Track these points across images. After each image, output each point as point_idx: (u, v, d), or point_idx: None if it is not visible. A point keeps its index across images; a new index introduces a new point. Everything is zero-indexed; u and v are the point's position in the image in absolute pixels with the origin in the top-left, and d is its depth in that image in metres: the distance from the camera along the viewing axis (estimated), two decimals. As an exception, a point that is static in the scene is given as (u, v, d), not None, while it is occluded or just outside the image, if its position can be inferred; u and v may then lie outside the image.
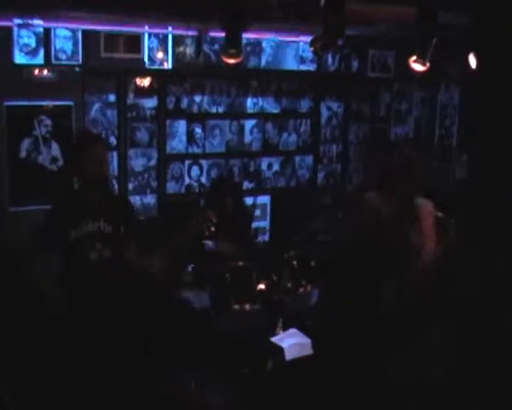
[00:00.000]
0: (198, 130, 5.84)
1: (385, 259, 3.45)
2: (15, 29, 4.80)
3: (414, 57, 4.33)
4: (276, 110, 6.21)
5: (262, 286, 4.50)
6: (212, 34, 5.50)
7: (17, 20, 4.77)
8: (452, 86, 7.08)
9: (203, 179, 5.91)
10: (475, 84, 1.74)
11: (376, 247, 3.38)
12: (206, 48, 5.67)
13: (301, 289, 4.55)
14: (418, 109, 7.04)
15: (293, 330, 4.13)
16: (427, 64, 4.30)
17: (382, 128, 6.83)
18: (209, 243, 4.51)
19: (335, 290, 3.58)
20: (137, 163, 5.57)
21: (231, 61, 4.25)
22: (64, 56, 5.05)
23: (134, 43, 5.37)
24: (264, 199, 6.21)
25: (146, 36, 5.39)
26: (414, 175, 3.64)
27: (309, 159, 6.48)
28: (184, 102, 5.74)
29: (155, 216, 5.68)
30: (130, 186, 5.56)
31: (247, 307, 4.31)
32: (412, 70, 4.57)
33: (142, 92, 5.52)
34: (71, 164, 3.80)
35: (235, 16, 3.95)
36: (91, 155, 3.64)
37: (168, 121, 5.69)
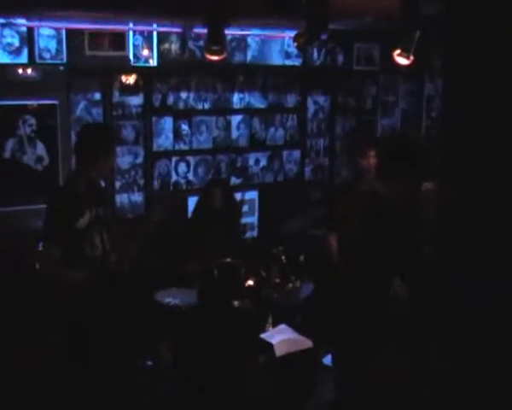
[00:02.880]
0: (184, 126, 5.83)
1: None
2: (-2, 28, 4.77)
3: (398, 51, 4.33)
4: (262, 105, 6.21)
5: (251, 282, 4.51)
6: (197, 31, 5.48)
7: (0, 20, 4.73)
8: (438, 78, 7.10)
9: (190, 176, 5.89)
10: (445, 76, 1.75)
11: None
12: (191, 44, 5.65)
13: (290, 285, 4.56)
14: (405, 101, 7.06)
15: (282, 326, 4.14)
16: (411, 58, 4.31)
17: (369, 120, 6.84)
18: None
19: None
20: (124, 161, 5.54)
21: (214, 57, 4.23)
22: (48, 55, 5.02)
23: (119, 40, 5.34)
24: (251, 194, 6.21)
25: (131, 33, 5.36)
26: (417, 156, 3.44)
27: (296, 153, 6.49)
28: (170, 99, 5.72)
29: (142, 214, 5.67)
30: (117, 184, 5.53)
31: (236, 303, 4.32)
32: (397, 63, 4.58)
33: (127, 90, 5.49)
34: (89, 158, 3.73)
35: (218, 12, 3.93)
36: (112, 154, 3.85)
37: (154, 118, 5.66)
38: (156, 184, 5.72)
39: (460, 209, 1.55)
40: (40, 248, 3.54)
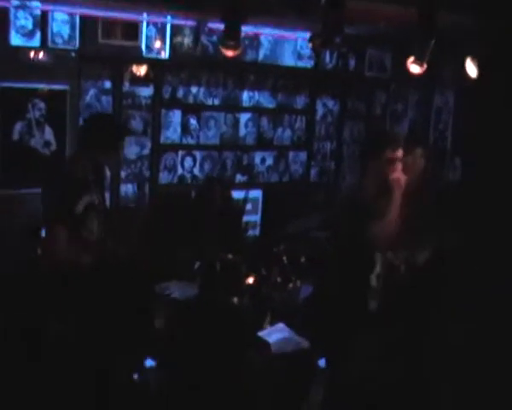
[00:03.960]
0: (193, 121, 5.83)
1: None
2: (12, 10, 4.76)
3: (411, 59, 4.33)
4: (271, 105, 6.21)
5: (251, 280, 4.50)
6: (211, 25, 5.49)
7: (14, 2, 4.73)
8: (448, 90, 7.09)
9: (196, 171, 5.89)
10: (474, 88, 1.74)
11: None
12: (204, 39, 5.65)
13: (290, 285, 4.56)
14: (413, 111, 7.05)
15: (280, 326, 4.13)
16: (425, 66, 4.30)
17: (377, 127, 6.84)
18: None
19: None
20: (130, 151, 5.54)
21: (230, 53, 4.24)
22: (61, 40, 5.01)
23: (132, 30, 5.34)
24: (256, 193, 6.20)
25: (144, 24, 5.36)
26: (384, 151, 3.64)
27: (303, 155, 6.49)
28: (180, 93, 5.72)
29: (145, 205, 5.67)
30: (123, 174, 5.53)
31: (235, 300, 4.31)
32: (409, 71, 4.58)
33: (138, 80, 5.49)
34: (93, 149, 3.75)
35: (235, 8, 3.94)
36: (117, 152, 3.90)
37: (163, 111, 5.66)
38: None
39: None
40: (45, 233, 3.53)
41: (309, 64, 6.27)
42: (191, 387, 3.83)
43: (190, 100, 5.78)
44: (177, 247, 4.94)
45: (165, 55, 5.51)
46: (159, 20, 5.39)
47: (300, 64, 6.23)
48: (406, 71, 4.58)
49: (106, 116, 4.90)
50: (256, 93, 6.10)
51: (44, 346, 3.67)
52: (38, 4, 4.82)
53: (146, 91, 5.54)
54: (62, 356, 3.57)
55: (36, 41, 4.90)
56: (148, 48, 5.43)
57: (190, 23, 5.49)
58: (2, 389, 3.65)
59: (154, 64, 5.52)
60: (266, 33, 5.93)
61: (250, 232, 6.11)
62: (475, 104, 1.66)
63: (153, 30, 5.42)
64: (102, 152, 3.75)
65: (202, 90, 5.82)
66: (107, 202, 4.64)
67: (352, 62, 6.54)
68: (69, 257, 3.55)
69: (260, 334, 4.06)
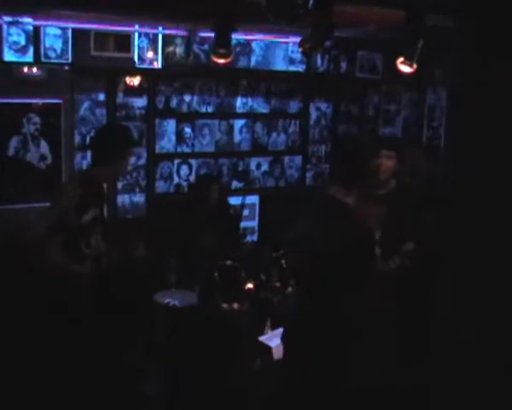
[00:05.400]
0: (187, 129, 5.86)
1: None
2: (5, 26, 4.79)
3: (401, 59, 4.36)
4: (265, 110, 6.24)
5: (250, 285, 4.52)
6: (202, 34, 5.52)
7: (7, 18, 4.76)
8: (440, 88, 7.14)
9: (192, 179, 5.92)
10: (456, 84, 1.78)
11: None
12: (195, 48, 5.68)
13: (289, 289, 4.58)
14: (406, 110, 7.09)
15: (281, 330, 4.15)
16: (415, 66, 4.34)
17: (372, 129, 6.88)
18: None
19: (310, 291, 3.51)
20: (126, 162, 5.57)
21: (221, 60, 4.28)
22: (54, 54, 5.05)
23: (124, 42, 5.37)
24: (252, 199, 6.23)
25: (136, 35, 5.40)
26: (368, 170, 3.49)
27: (298, 159, 6.52)
28: (174, 102, 5.75)
29: (143, 215, 5.69)
30: (119, 185, 5.56)
31: (236, 306, 4.33)
32: (400, 71, 4.61)
33: (131, 91, 5.53)
34: (105, 158, 3.78)
35: (225, 16, 3.98)
36: (128, 158, 3.92)
37: (157, 121, 5.69)
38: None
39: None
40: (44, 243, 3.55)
41: (301, 68, 6.31)
42: (192, 393, 3.85)
43: (184, 109, 5.81)
44: (174, 251, 4.95)
45: (157, 65, 5.55)
46: (150, 30, 5.43)
47: (292, 68, 6.27)
48: (397, 71, 4.61)
49: (116, 126, 4.87)
50: (249, 99, 6.14)
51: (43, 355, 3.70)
52: (30, 20, 4.86)
53: (140, 102, 5.57)
54: (63, 365, 3.59)
55: (29, 56, 4.94)
56: (141, 58, 5.47)
57: (182, 33, 5.53)
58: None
59: (147, 74, 5.55)
60: (257, 38, 5.96)
61: (248, 238, 6.13)
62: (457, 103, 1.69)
63: (145, 41, 5.46)
64: (109, 161, 3.77)
65: (196, 98, 5.85)
66: (105, 214, 4.66)
67: (344, 64, 6.57)
68: (65, 271, 3.57)
69: (261, 338, 4.09)
